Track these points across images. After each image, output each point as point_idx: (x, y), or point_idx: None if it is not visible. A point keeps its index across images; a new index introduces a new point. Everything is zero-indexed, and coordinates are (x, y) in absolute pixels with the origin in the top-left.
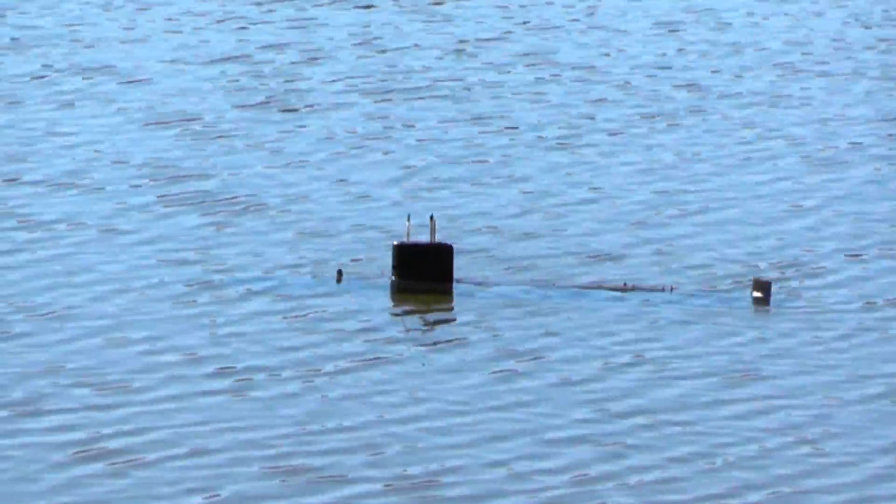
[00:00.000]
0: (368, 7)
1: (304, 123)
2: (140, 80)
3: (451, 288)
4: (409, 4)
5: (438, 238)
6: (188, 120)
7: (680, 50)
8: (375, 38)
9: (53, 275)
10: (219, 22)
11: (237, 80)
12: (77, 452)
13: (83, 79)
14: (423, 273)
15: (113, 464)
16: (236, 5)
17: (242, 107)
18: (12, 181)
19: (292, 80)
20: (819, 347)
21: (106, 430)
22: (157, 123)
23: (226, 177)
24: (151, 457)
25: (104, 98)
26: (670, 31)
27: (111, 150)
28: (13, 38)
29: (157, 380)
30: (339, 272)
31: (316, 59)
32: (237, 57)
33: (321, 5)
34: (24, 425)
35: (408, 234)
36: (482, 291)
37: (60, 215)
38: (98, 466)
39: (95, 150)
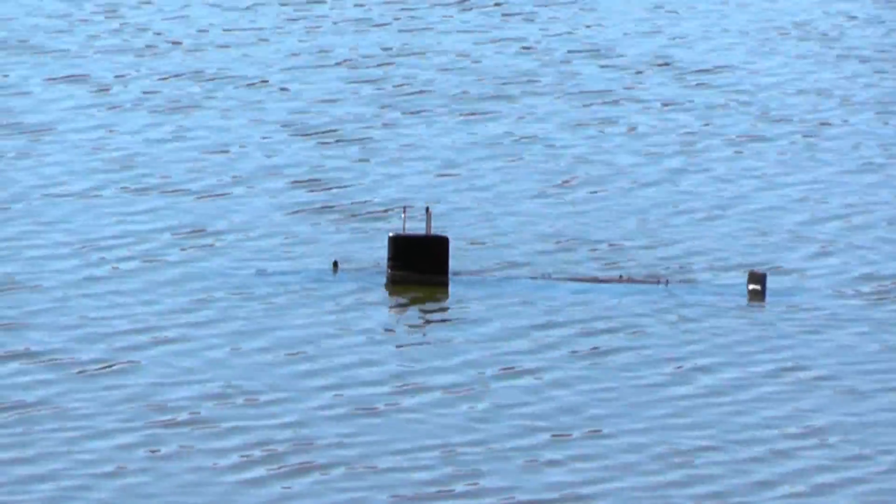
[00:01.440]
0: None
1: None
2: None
3: (446, 279)
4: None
5: (434, 230)
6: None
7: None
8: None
9: (210, 275)
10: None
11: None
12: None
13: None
14: (419, 265)
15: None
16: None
17: None
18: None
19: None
20: (814, 339)
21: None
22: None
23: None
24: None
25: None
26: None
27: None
28: (149, 45)
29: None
30: (335, 263)
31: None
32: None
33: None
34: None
35: (404, 226)
36: (477, 283)
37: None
38: None
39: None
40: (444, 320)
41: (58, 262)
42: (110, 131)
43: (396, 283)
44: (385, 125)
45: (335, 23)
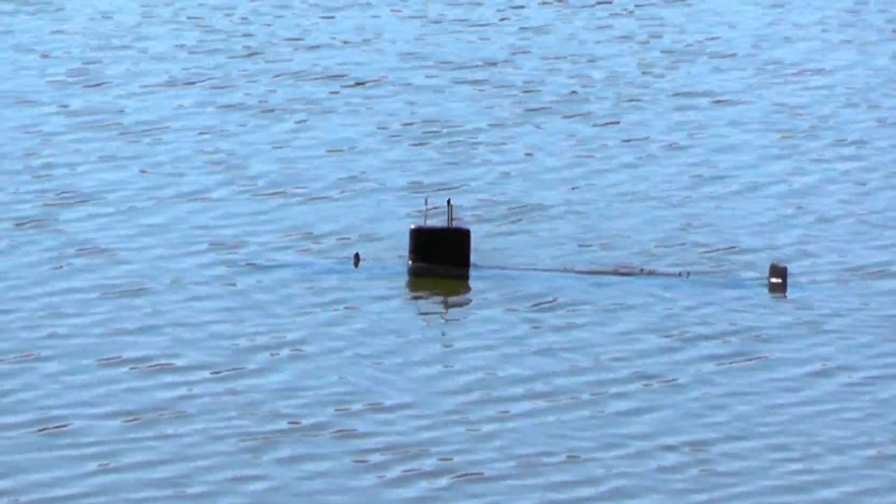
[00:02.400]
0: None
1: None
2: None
3: (467, 272)
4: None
5: (455, 222)
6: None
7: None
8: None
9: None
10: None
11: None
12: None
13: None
14: (440, 257)
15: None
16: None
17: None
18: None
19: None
20: (835, 332)
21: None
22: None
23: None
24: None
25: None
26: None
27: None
28: (245, 47)
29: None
30: (357, 256)
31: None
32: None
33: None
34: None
35: (425, 219)
36: (498, 275)
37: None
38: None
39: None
40: (463, 312)
41: (171, 263)
42: (222, 132)
43: (417, 275)
44: (496, 125)
45: (442, 22)
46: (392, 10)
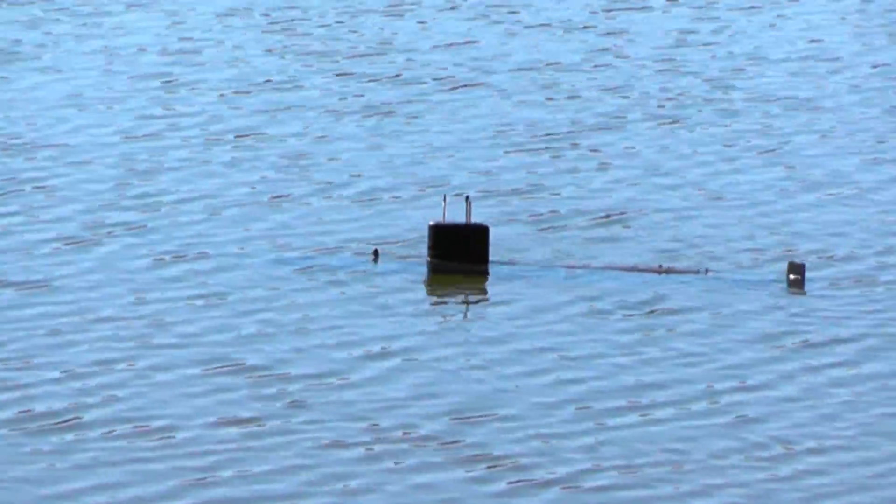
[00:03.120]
0: None
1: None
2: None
3: (486, 269)
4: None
5: (474, 219)
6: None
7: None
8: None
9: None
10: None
11: None
12: None
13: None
14: (459, 254)
15: None
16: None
17: None
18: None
19: None
20: (853, 331)
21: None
22: None
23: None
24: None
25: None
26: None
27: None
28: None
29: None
30: (376, 252)
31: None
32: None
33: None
34: None
35: (444, 215)
36: (517, 272)
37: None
38: None
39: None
40: (483, 309)
41: (265, 270)
42: (320, 137)
43: (436, 272)
44: (584, 131)
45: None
46: (481, 15)
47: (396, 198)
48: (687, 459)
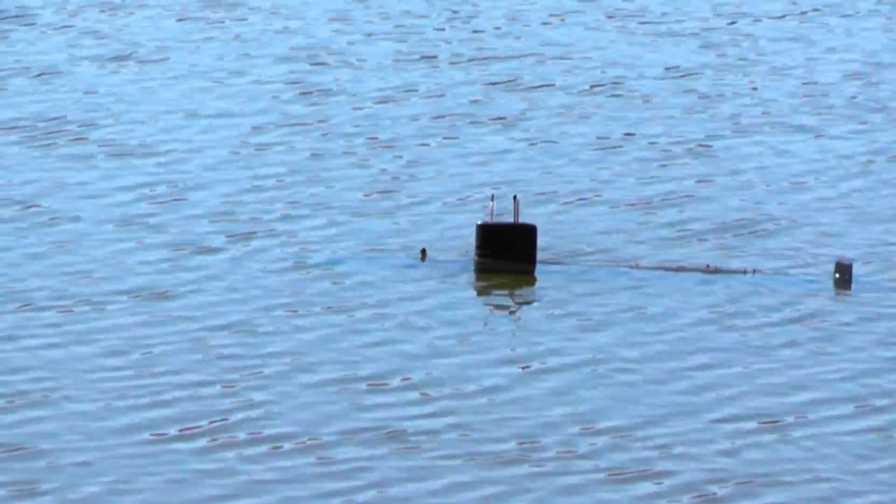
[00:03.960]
0: None
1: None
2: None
3: (533, 268)
4: None
5: (522, 218)
6: None
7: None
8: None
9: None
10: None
11: None
12: None
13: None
14: (506, 253)
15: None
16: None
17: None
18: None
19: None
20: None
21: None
22: None
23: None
24: None
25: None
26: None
27: None
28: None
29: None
30: (423, 251)
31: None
32: None
33: None
34: None
35: (491, 214)
36: (565, 271)
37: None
38: None
39: None
40: (530, 308)
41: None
42: (425, 144)
43: (484, 271)
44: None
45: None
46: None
47: (462, 199)
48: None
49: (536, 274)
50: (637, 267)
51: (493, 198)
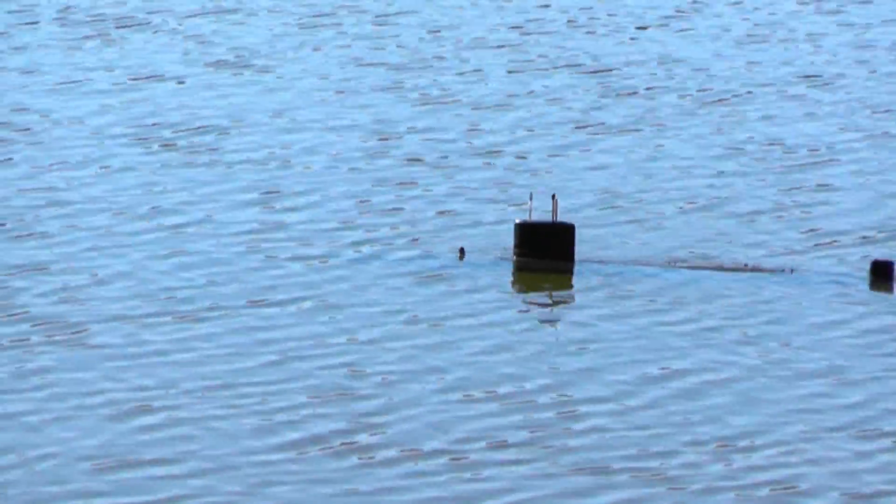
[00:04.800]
0: None
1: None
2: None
3: (571, 267)
4: None
5: (560, 217)
6: None
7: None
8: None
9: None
10: None
11: None
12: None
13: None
14: (545, 252)
15: None
16: None
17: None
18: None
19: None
20: None
21: None
22: None
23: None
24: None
25: None
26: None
27: None
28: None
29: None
30: (462, 250)
31: None
32: None
33: None
34: None
35: (530, 213)
36: (603, 270)
37: None
38: None
39: None
40: (568, 307)
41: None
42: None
43: (522, 270)
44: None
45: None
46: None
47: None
48: None
49: (574, 272)
50: (676, 266)
51: (531, 196)
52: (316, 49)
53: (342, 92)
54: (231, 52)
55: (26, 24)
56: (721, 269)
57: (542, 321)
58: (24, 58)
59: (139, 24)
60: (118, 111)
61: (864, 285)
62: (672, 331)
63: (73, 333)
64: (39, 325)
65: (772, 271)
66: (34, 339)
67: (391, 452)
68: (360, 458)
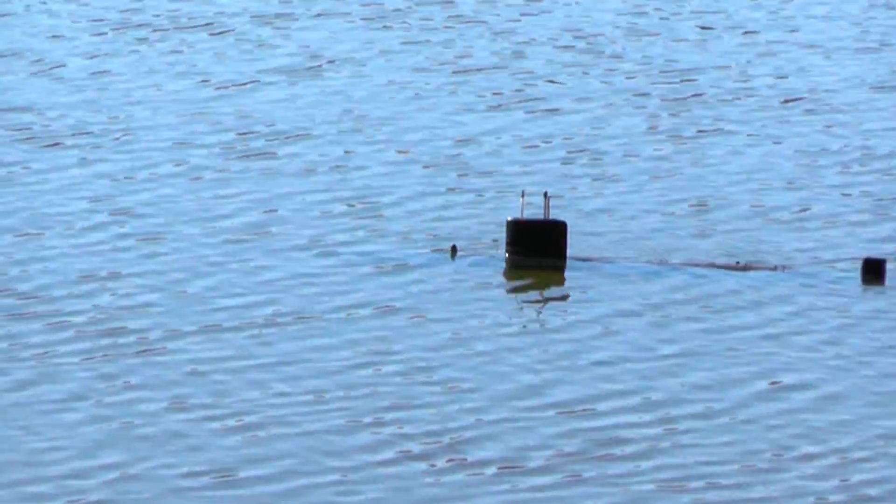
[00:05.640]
0: None
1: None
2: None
3: (563, 264)
4: None
5: (552, 214)
6: None
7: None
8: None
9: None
10: None
11: None
12: None
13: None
14: (537, 249)
15: None
16: None
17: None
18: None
19: None
20: None
21: None
22: None
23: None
24: None
25: None
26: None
27: None
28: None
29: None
30: (454, 248)
31: None
32: None
33: None
34: None
35: (522, 211)
36: (595, 268)
37: None
38: None
39: None
40: (560, 305)
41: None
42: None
43: (514, 268)
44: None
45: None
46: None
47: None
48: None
49: (566, 270)
50: (667, 264)
51: (523, 194)
52: (384, 51)
53: (413, 94)
54: (306, 55)
55: (96, 34)
56: (713, 266)
57: (531, 318)
58: (95, 63)
59: (207, 27)
60: (191, 117)
61: (856, 283)
62: (663, 328)
63: (156, 344)
64: (117, 334)
65: (763, 269)
66: (117, 350)
67: (489, 464)
68: (450, 463)
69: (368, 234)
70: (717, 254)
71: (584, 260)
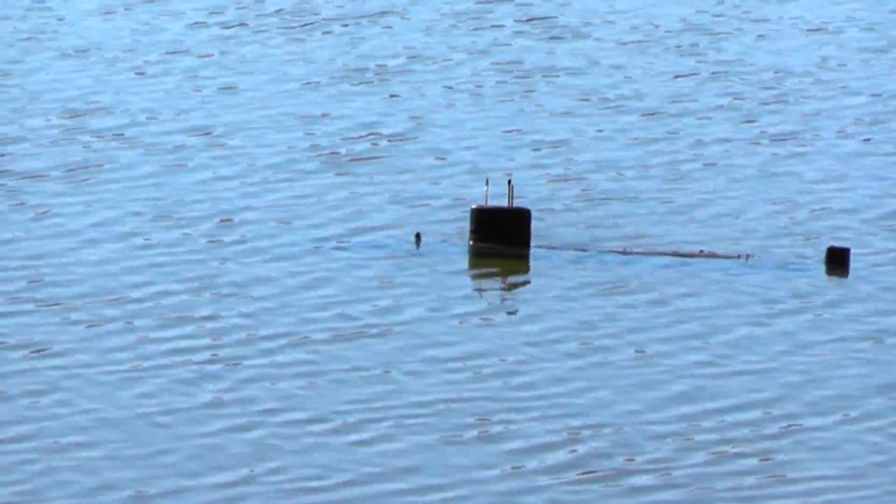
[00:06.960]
0: None
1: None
2: None
3: (528, 252)
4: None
5: (516, 202)
6: None
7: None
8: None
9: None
10: None
11: None
12: None
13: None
14: (501, 237)
15: None
16: None
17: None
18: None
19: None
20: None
21: None
22: None
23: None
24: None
25: None
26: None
27: None
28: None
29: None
30: (418, 236)
31: None
32: None
33: None
34: None
35: (486, 198)
36: (559, 256)
37: None
38: None
39: None
40: (524, 293)
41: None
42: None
43: (478, 256)
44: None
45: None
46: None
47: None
48: None
49: (530, 258)
50: (631, 252)
51: (487, 182)
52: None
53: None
54: (362, 60)
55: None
56: (676, 254)
57: (495, 307)
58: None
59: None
60: (278, 119)
61: (819, 271)
62: (627, 316)
63: (259, 350)
64: (218, 341)
65: (727, 257)
66: (219, 354)
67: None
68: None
69: (331, 221)
70: (681, 242)
71: (548, 248)
